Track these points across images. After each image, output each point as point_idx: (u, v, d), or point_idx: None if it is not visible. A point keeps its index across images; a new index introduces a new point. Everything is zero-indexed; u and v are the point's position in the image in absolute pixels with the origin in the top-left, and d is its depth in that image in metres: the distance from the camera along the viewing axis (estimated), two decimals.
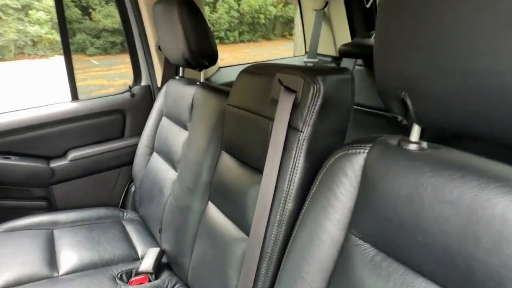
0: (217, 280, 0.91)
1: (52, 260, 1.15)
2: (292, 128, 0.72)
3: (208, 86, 1.19)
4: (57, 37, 9.26)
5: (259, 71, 0.87)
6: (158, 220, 1.27)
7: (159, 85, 1.61)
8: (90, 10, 9.47)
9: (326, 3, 2.10)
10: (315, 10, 2.14)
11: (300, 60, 2.31)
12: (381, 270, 0.54)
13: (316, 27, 2.12)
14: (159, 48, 1.52)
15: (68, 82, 1.50)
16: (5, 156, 1.36)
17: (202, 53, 1.18)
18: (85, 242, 1.25)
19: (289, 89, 0.72)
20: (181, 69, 1.43)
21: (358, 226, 0.59)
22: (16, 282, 1.02)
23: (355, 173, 0.60)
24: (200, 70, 1.26)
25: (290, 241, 0.69)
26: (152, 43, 1.54)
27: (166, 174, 1.29)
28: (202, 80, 1.29)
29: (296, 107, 0.71)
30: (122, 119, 1.60)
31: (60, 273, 1.10)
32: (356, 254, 0.59)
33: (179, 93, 1.31)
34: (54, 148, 1.47)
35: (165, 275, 1.16)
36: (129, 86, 1.62)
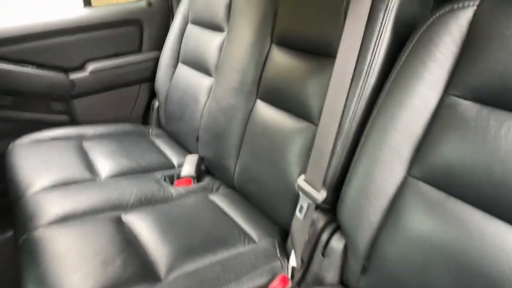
0: (274, 171, 0.91)
1: (90, 166, 1.12)
2: None
3: None
4: None
5: None
6: (193, 130, 1.24)
7: None
8: None
9: None
10: None
11: None
12: (489, 121, 0.54)
13: None
14: None
15: None
16: (21, 64, 1.26)
17: None
18: (119, 151, 1.22)
19: None
20: None
21: (459, 85, 0.58)
22: (62, 182, 1.00)
23: (461, 30, 0.58)
24: None
25: (374, 112, 0.69)
26: None
27: (200, 82, 1.24)
28: None
29: None
30: (139, 31, 1.50)
31: (102, 177, 1.08)
32: (454, 115, 0.58)
33: None
34: (71, 58, 1.37)
35: (207, 179, 1.16)
36: None
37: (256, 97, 1.01)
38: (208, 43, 1.22)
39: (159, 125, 1.53)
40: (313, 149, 0.77)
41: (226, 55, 1.11)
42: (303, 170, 0.82)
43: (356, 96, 0.71)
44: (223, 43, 1.16)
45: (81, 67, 1.40)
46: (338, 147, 0.74)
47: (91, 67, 1.40)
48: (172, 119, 1.39)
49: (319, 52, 0.82)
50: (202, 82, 1.23)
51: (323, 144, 0.74)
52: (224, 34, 1.16)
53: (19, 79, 1.27)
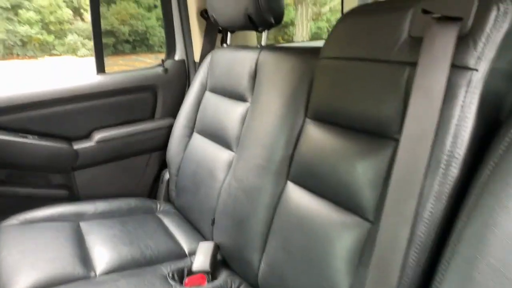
0: (314, 277, 0.71)
1: (84, 257, 0.93)
2: (456, 67, 0.54)
3: (278, 47, 1.00)
4: (47, 37, 8.95)
5: (377, 9, 0.69)
6: (209, 209, 1.07)
7: (196, 59, 1.41)
8: (82, 11, 9.23)
9: None
10: None
11: None
12: None
13: None
14: (201, 14, 1.33)
15: (94, 52, 1.30)
16: (21, 135, 1.14)
17: (270, 7, 0.99)
18: (121, 236, 1.04)
19: (447, 18, 0.54)
20: (229, 36, 1.25)
21: None
22: (47, 283, 0.81)
23: None
24: (263, 30, 1.08)
25: (462, 215, 0.51)
26: (193, 9, 1.35)
27: (218, 155, 1.09)
28: (264, 43, 1.10)
29: (461, 39, 0.54)
30: (153, 98, 1.40)
31: (98, 273, 0.89)
32: None
33: (233, 61, 1.12)
34: (77, 128, 1.26)
35: (224, 275, 0.95)
36: (162, 60, 1.42)
37: (287, 179, 0.85)
38: (229, 113, 1.10)
39: (168, 198, 1.36)
40: (373, 259, 0.58)
41: (250, 128, 0.98)
42: (358, 284, 0.63)
43: (434, 192, 0.54)
44: (246, 114, 1.03)
45: (87, 136, 1.28)
46: (412, 259, 0.55)
47: (97, 136, 1.28)
48: (184, 194, 1.23)
49: (371, 131, 0.68)
50: (220, 156, 1.08)
51: (389, 254, 0.56)
52: (248, 104, 1.04)
53: (18, 150, 1.14)
